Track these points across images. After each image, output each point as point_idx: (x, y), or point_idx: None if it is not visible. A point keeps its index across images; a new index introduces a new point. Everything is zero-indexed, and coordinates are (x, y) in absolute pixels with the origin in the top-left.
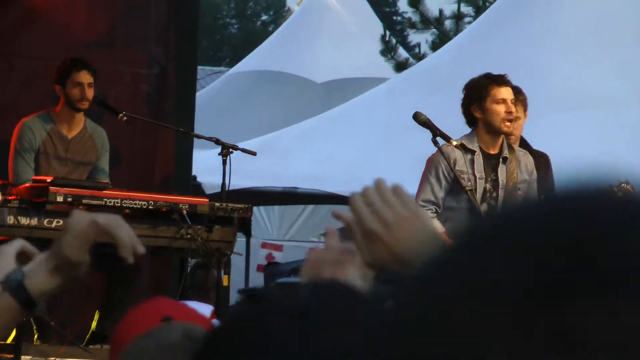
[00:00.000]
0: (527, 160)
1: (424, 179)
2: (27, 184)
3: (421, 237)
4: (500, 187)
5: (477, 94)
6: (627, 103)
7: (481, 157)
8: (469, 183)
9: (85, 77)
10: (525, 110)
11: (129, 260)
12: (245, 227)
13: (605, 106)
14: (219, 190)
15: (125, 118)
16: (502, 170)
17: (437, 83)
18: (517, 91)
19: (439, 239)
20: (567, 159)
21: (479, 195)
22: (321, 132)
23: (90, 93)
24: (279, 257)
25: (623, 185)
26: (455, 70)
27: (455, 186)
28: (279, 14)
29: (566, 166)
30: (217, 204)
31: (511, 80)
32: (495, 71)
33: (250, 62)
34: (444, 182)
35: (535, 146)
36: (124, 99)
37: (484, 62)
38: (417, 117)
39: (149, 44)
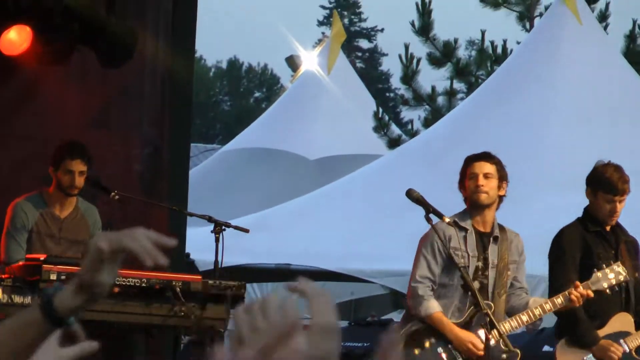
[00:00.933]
0: (518, 241)
1: (420, 255)
2: (21, 262)
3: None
4: (490, 266)
5: (461, 174)
6: None
7: (474, 235)
8: (462, 260)
9: (77, 165)
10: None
11: (148, 264)
12: (238, 304)
13: None
14: (212, 267)
15: (117, 197)
16: (492, 249)
17: (430, 159)
18: (623, 174)
19: None
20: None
21: (470, 273)
22: (314, 209)
23: (80, 181)
24: None
25: None
26: (448, 146)
27: (448, 263)
28: (272, 91)
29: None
30: (210, 282)
31: (503, 157)
32: (487, 148)
33: (243, 139)
34: (439, 259)
35: (526, 224)
36: (118, 178)
37: (477, 139)
38: (410, 194)
39: (143, 124)
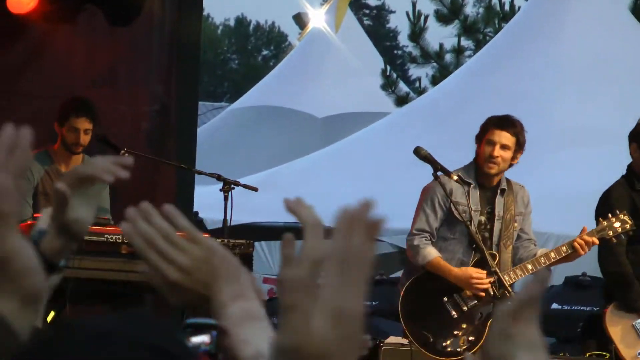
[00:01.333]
0: (524, 193)
1: (420, 208)
2: (29, 222)
3: (223, 271)
4: (496, 218)
5: (481, 131)
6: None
7: (477, 190)
8: (464, 214)
9: (83, 123)
10: None
11: (109, 180)
12: (247, 262)
13: (605, 141)
14: (220, 226)
15: (126, 155)
16: (499, 201)
17: (437, 117)
18: None
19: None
20: (568, 194)
21: (473, 228)
22: (322, 167)
23: (85, 139)
24: None
25: None
26: (455, 104)
27: (450, 216)
28: (280, 49)
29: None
30: (218, 240)
31: (511, 113)
32: (495, 105)
33: (251, 97)
34: (439, 212)
35: (535, 181)
36: (125, 137)
37: (484, 97)
38: (418, 152)
39: (151, 82)
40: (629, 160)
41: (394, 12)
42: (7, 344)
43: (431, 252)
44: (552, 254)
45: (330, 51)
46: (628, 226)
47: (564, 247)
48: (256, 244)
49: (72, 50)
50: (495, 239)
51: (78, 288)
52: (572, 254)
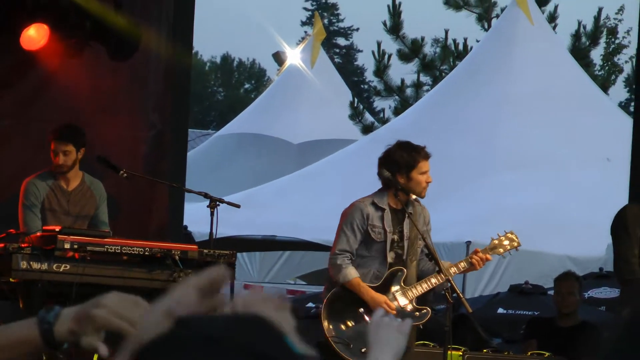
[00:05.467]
0: (425, 213)
1: (340, 230)
2: (38, 233)
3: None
4: (405, 237)
5: (405, 164)
6: (568, 162)
7: (389, 213)
8: (379, 235)
9: (62, 146)
10: None
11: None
12: (230, 270)
13: (545, 164)
14: (207, 238)
15: (125, 175)
16: (406, 222)
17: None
18: None
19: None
20: (511, 210)
21: (388, 246)
22: (297, 187)
23: (66, 160)
24: None
25: None
26: (415, 133)
27: (367, 237)
28: (261, 82)
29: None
30: (205, 251)
31: (463, 141)
32: (450, 133)
33: (235, 125)
34: (358, 234)
35: (483, 199)
36: (125, 158)
37: (440, 126)
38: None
39: (148, 110)
40: (570, 182)
41: (361, 51)
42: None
43: (351, 273)
44: (453, 270)
45: (305, 85)
46: (515, 244)
47: (462, 264)
48: (238, 254)
49: (78, 81)
50: (404, 256)
51: (82, 291)
52: (470, 269)
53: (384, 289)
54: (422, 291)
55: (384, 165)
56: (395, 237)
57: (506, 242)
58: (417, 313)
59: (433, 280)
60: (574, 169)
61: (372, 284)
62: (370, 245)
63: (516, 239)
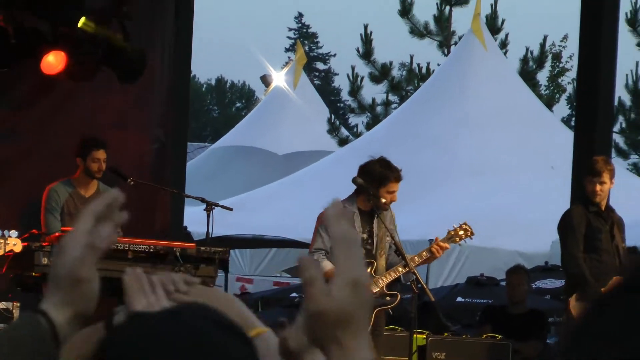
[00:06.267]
0: (392, 214)
1: (316, 232)
2: (57, 233)
3: None
4: (374, 235)
5: (378, 179)
6: (518, 170)
7: (359, 216)
8: None
9: (102, 154)
10: (612, 178)
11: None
12: (224, 265)
13: (499, 172)
14: (204, 237)
15: (132, 182)
16: (375, 222)
17: (371, 155)
18: (607, 162)
19: None
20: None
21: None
22: (282, 193)
23: (104, 166)
24: (250, 288)
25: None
26: (384, 145)
27: None
28: (250, 101)
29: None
30: (202, 248)
31: (427, 152)
32: (415, 146)
33: (228, 139)
34: None
35: (445, 202)
36: (133, 168)
37: (407, 139)
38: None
39: (152, 126)
40: (520, 187)
41: (337, 74)
42: (45, 345)
43: (327, 265)
44: (417, 259)
45: (289, 104)
46: (469, 233)
47: (424, 253)
48: (231, 251)
49: (91, 101)
50: (373, 251)
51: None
52: (431, 257)
53: None
54: (391, 279)
55: (360, 173)
56: (365, 235)
57: (461, 232)
58: (388, 298)
59: (400, 269)
60: (523, 176)
61: None
62: None
63: (470, 229)
